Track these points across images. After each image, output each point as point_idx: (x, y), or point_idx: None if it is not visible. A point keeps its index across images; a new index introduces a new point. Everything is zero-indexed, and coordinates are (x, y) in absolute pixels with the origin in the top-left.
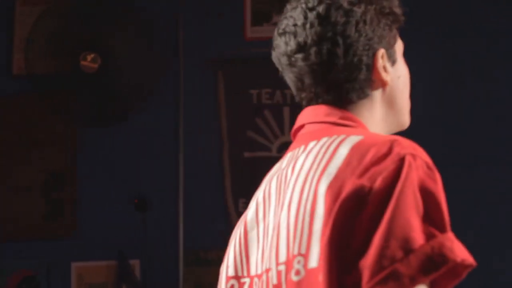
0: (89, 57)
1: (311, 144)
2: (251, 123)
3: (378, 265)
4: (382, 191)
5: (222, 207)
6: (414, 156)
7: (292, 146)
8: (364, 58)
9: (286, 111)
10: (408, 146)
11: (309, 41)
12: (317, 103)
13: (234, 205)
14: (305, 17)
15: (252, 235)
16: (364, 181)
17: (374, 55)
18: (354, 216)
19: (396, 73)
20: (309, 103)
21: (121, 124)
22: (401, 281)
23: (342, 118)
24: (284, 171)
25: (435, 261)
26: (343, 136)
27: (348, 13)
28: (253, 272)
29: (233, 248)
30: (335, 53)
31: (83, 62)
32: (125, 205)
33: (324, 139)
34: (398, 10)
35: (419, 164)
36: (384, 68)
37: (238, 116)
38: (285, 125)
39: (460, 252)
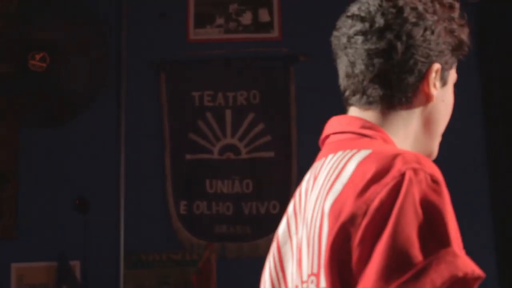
0: (37, 56)
1: (329, 157)
2: (193, 125)
3: (379, 283)
4: (380, 210)
5: (164, 209)
6: (415, 170)
7: (318, 156)
8: (419, 64)
9: (228, 113)
10: (411, 161)
11: (375, 27)
12: (360, 98)
13: (176, 207)
14: (380, 5)
15: (286, 249)
16: (363, 202)
17: (429, 66)
18: (351, 237)
19: (442, 96)
20: (352, 94)
21: (63, 125)
22: None
23: (362, 127)
24: (309, 184)
25: (433, 278)
26: (354, 151)
27: (420, 17)
28: (290, 286)
29: (268, 263)
30: (395, 47)
31: (32, 62)
32: (66, 206)
33: (339, 153)
34: (465, 39)
35: (421, 178)
36: (434, 84)
37: (180, 118)
38: (227, 128)
39: (463, 266)
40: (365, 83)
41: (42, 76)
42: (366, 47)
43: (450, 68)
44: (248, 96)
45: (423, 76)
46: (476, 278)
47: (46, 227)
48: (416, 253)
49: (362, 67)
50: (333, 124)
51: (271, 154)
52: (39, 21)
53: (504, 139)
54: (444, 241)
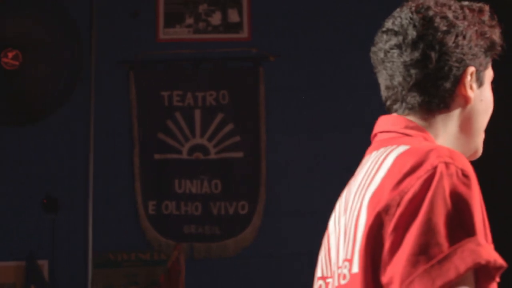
0: (10, 54)
1: (373, 153)
2: (162, 125)
3: (408, 269)
4: (413, 202)
5: (132, 208)
6: (447, 164)
7: (366, 153)
8: (454, 69)
9: (197, 113)
10: (444, 155)
11: (408, 39)
12: (400, 105)
13: (144, 207)
14: (411, 18)
15: (332, 239)
16: (397, 193)
17: (464, 70)
18: (384, 226)
19: (480, 96)
20: (392, 105)
21: (33, 124)
22: (428, 283)
23: (406, 127)
24: (354, 179)
25: (457, 264)
26: (394, 147)
27: (451, 24)
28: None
29: (321, 251)
30: (429, 56)
31: (4, 59)
32: (35, 206)
33: (381, 150)
34: (497, 40)
35: (452, 171)
36: (471, 86)
37: (149, 118)
38: (196, 128)
39: (486, 255)
40: (404, 92)
41: (13, 74)
42: (402, 59)
43: (485, 68)
44: (217, 96)
45: (459, 80)
46: (498, 268)
47: (14, 227)
48: (443, 241)
49: (400, 78)
50: (381, 123)
51: (240, 154)
52: (11, 19)
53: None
54: (469, 231)
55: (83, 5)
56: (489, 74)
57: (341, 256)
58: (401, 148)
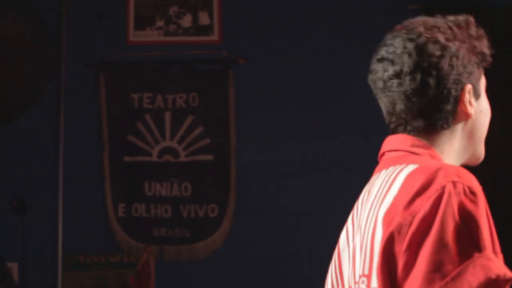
0: None
1: (382, 172)
2: (132, 127)
3: (422, 287)
4: (424, 221)
5: (102, 211)
6: (454, 183)
7: (375, 171)
8: (453, 91)
9: (168, 116)
10: (451, 174)
11: (405, 69)
12: (404, 128)
13: (114, 210)
14: (405, 47)
15: (344, 255)
16: (409, 213)
17: (462, 89)
18: (396, 245)
19: (479, 107)
20: (396, 128)
21: (1, 126)
22: None
23: (413, 145)
24: (364, 196)
25: (470, 280)
26: (403, 166)
27: (444, 48)
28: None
29: (330, 268)
30: (428, 83)
31: None
32: (4, 207)
33: (391, 168)
34: (487, 51)
35: (459, 190)
36: (470, 102)
37: (119, 120)
38: (166, 130)
39: (496, 269)
40: (407, 118)
41: None
42: (402, 89)
43: (480, 80)
44: (188, 99)
45: (459, 100)
46: (508, 280)
47: None
48: (455, 258)
49: (402, 106)
50: (388, 142)
51: (209, 157)
52: None
53: None
54: (479, 246)
55: (52, 7)
56: (483, 83)
57: (358, 271)
58: (410, 167)
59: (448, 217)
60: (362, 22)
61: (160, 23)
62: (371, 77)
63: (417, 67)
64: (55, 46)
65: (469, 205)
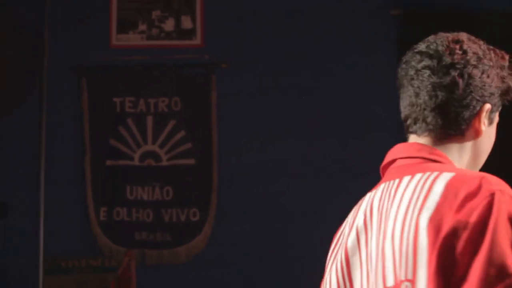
0: None
1: (406, 178)
2: (114, 131)
3: None
4: (478, 225)
5: (83, 215)
6: (502, 192)
7: (385, 178)
8: (474, 102)
9: (149, 120)
10: (496, 183)
11: (442, 64)
12: (421, 125)
13: (95, 213)
14: (448, 46)
15: (354, 260)
16: (462, 217)
17: (482, 105)
18: (455, 248)
19: (489, 133)
20: (413, 123)
21: None
22: None
23: (432, 153)
24: (384, 203)
25: None
26: (436, 173)
27: (480, 61)
28: None
29: (335, 272)
30: (457, 83)
31: None
32: None
33: (419, 175)
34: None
35: (507, 198)
36: (483, 121)
37: (101, 124)
38: (148, 134)
39: None
40: (426, 112)
41: None
42: (432, 80)
43: (497, 110)
44: (170, 103)
45: (476, 113)
46: None
47: None
48: (510, 263)
49: (426, 97)
50: (400, 149)
51: (191, 161)
52: None
53: None
54: None
55: (35, 10)
56: (497, 115)
57: (390, 276)
58: (447, 175)
59: (501, 222)
60: (344, 27)
61: (142, 27)
62: (402, 66)
63: (453, 65)
64: (38, 49)
65: None
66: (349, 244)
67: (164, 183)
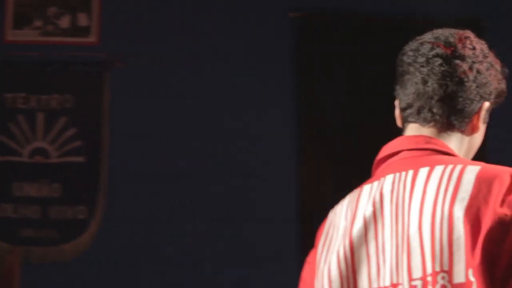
0: None
1: (424, 170)
2: (3, 127)
3: None
4: None
5: None
6: None
7: (389, 169)
8: (478, 97)
9: (40, 116)
10: None
11: (455, 54)
12: (427, 113)
13: None
14: (460, 39)
15: (360, 252)
16: (506, 211)
17: (483, 103)
18: (501, 240)
19: (481, 132)
20: (417, 112)
21: None
22: None
23: (441, 146)
24: (399, 194)
25: None
26: (461, 165)
27: (485, 58)
28: (365, 286)
29: (336, 264)
30: (468, 76)
31: None
32: None
33: (440, 167)
34: (505, 90)
35: None
36: (482, 119)
37: None
38: (38, 131)
39: None
40: (433, 101)
41: None
42: (443, 68)
43: (490, 110)
44: (62, 100)
45: (478, 110)
46: None
47: None
48: None
49: (435, 85)
50: (404, 141)
51: (81, 159)
52: None
53: (313, 148)
54: None
55: None
56: (487, 117)
57: (417, 268)
58: (474, 168)
59: None
60: (244, 29)
61: (38, 23)
62: (410, 53)
63: (465, 57)
64: None
65: None
66: (355, 235)
67: (52, 180)
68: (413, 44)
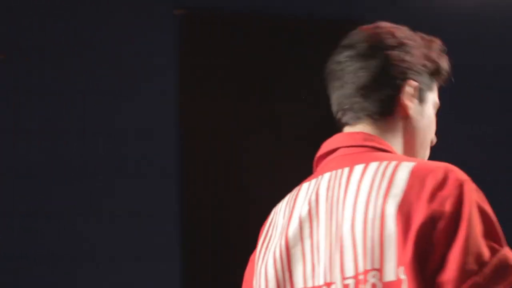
0: None
1: (359, 167)
2: None
3: (460, 279)
4: (453, 214)
5: None
6: (468, 182)
7: (327, 167)
8: (395, 79)
9: None
10: (460, 173)
11: (360, 51)
12: (351, 114)
13: None
14: (363, 35)
15: (295, 251)
16: (436, 206)
17: (405, 81)
18: (432, 237)
19: (421, 111)
20: (343, 114)
21: None
22: None
23: (379, 143)
24: (335, 192)
25: (504, 271)
26: (395, 162)
27: (399, 42)
28: (300, 285)
29: (272, 263)
30: (375, 65)
31: None
32: None
33: (375, 164)
34: (444, 67)
35: (473, 188)
36: (410, 98)
37: None
38: None
39: None
40: (352, 99)
41: None
42: (352, 67)
43: (429, 89)
44: None
45: (399, 89)
46: None
47: None
48: (485, 252)
49: (349, 84)
50: (341, 139)
51: None
52: None
53: (198, 150)
54: (499, 241)
55: None
56: (433, 98)
57: (349, 266)
58: (408, 164)
59: (474, 212)
60: (126, 25)
61: None
62: (328, 64)
63: (369, 50)
64: None
65: (483, 204)
66: (290, 234)
67: None
68: (334, 53)
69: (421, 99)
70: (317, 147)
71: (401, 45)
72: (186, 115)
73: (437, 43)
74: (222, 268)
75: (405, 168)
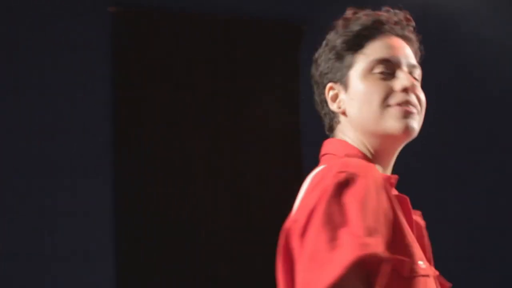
0: None
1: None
2: None
3: (304, 277)
4: (309, 215)
5: None
6: (335, 175)
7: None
8: (322, 96)
9: None
10: (335, 165)
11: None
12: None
13: None
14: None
15: None
16: (293, 216)
17: (324, 90)
18: (284, 247)
19: (350, 96)
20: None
21: None
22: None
23: (333, 148)
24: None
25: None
26: (321, 167)
27: (319, 60)
28: None
29: None
30: (313, 75)
31: None
32: None
33: (314, 170)
34: (358, 27)
35: (339, 178)
36: (334, 98)
37: None
38: None
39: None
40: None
41: None
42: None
43: (349, 69)
44: None
45: (327, 102)
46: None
47: None
48: (324, 242)
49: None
50: (324, 145)
51: None
52: None
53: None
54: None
55: None
56: (357, 71)
57: None
58: (319, 168)
59: (320, 209)
60: (60, 23)
61: None
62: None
63: (317, 59)
64: None
65: (343, 189)
66: None
67: None
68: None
69: (344, 87)
70: (252, 145)
71: (319, 61)
72: (120, 112)
73: (351, 13)
74: (158, 267)
75: (313, 174)
